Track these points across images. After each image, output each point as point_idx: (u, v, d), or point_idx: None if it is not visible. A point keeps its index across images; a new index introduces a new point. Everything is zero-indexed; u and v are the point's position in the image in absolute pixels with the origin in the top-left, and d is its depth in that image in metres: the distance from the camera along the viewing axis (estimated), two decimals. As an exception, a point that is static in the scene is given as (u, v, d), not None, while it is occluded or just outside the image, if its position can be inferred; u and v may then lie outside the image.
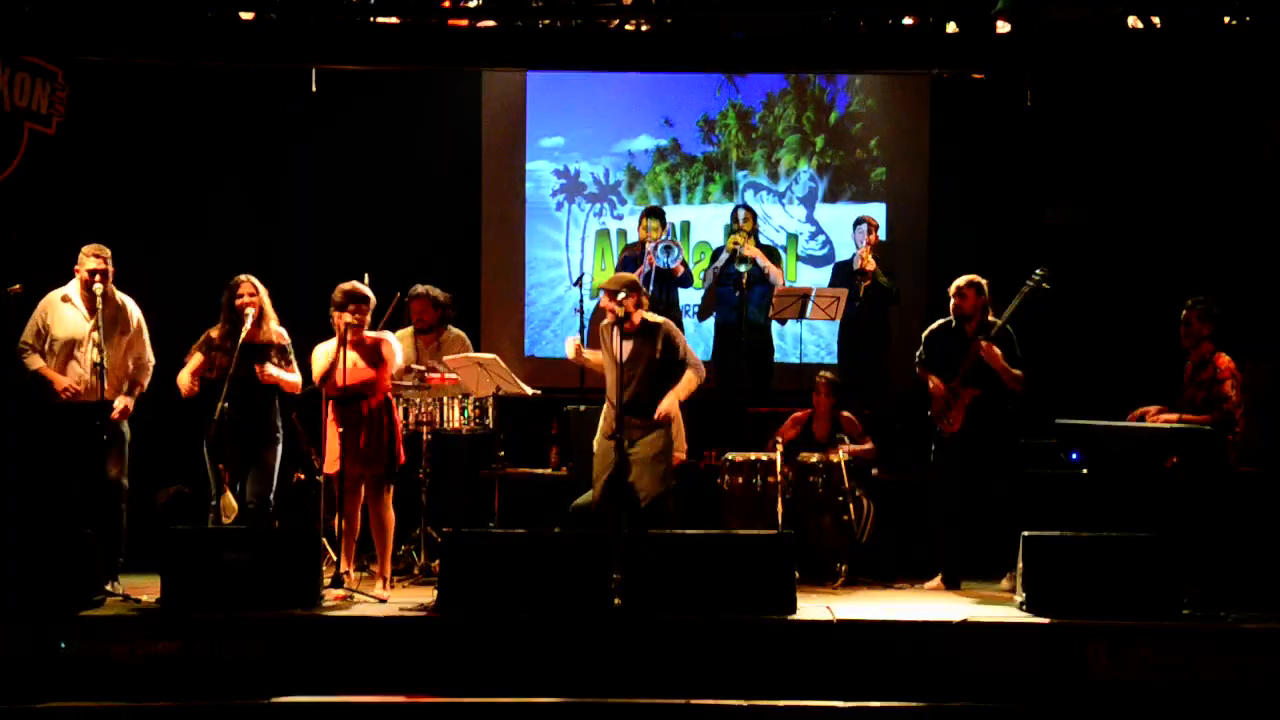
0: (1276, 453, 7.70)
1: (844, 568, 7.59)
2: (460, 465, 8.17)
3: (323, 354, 7.02)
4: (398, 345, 7.23)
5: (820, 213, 10.39)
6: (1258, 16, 7.41)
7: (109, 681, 6.07)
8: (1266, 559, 7.14)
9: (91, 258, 7.00)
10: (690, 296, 9.83)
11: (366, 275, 7.29)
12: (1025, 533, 6.58)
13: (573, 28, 7.59)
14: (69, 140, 8.39)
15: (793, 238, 10.40)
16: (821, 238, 10.38)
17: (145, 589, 6.78)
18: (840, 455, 7.77)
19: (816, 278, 10.06)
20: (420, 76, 9.65)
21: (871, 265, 9.17)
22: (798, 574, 6.71)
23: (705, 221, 10.37)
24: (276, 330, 7.19)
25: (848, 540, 7.66)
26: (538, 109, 10.43)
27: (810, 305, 8.87)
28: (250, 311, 7.04)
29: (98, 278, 6.97)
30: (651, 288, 8.94)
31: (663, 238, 9.29)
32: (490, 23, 7.65)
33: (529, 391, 7.83)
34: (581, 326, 9.01)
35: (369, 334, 7.11)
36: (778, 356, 9.54)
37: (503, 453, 8.22)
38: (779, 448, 7.75)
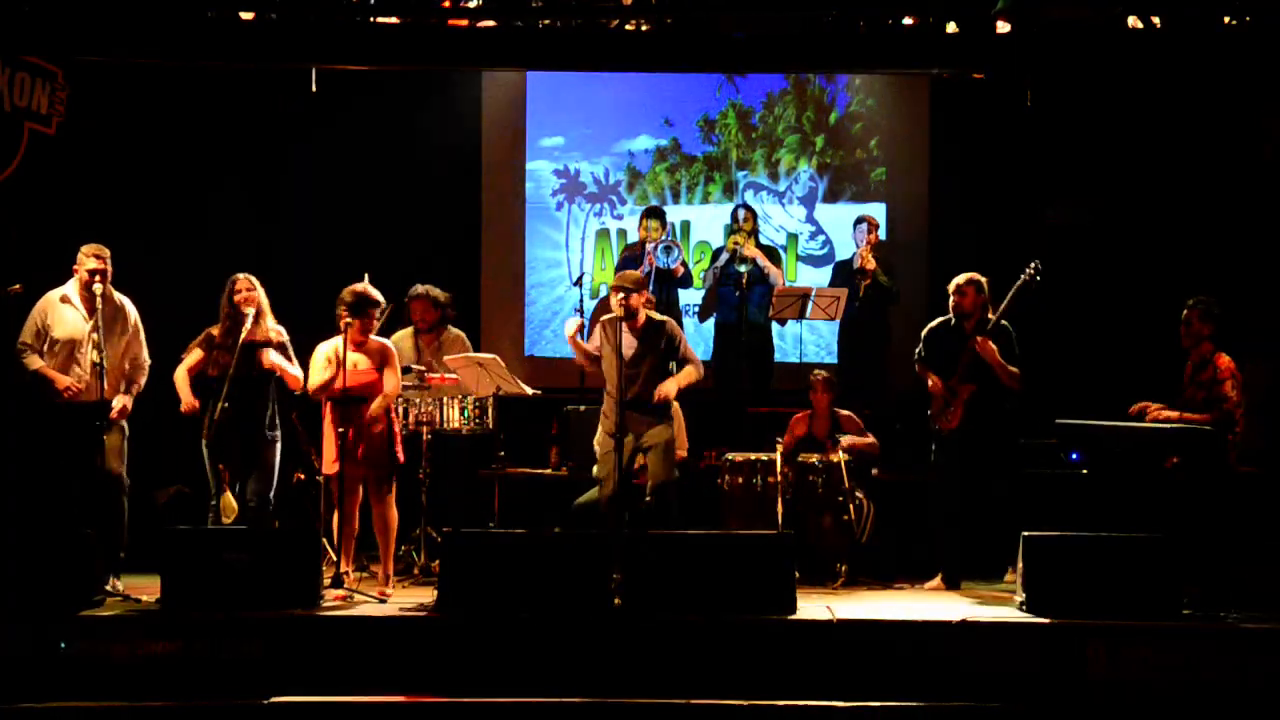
0: (1276, 453, 7.70)
1: (844, 568, 7.59)
2: (460, 465, 8.17)
3: (323, 355, 7.03)
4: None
5: (820, 213, 10.39)
6: (1258, 16, 7.41)
7: (109, 681, 6.07)
8: (1266, 559, 7.14)
9: (91, 258, 7.00)
10: (690, 297, 9.84)
11: (366, 275, 7.29)
12: (1025, 533, 6.58)
13: (573, 28, 7.59)
14: (69, 140, 8.39)
15: (793, 238, 10.40)
16: (821, 238, 10.38)
17: (145, 589, 6.78)
18: (840, 455, 7.77)
19: (816, 278, 10.06)
20: (420, 76, 9.65)
21: (871, 265, 9.17)
22: (798, 574, 6.71)
23: (705, 221, 10.37)
24: (275, 328, 7.20)
25: (848, 540, 7.66)
26: (538, 109, 10.43)
27: (810, 305, 8.87)
28: (250, 311, 7.05)
29: (97, 278, 6.97)
30: (651, 288, 8.94)
31: (663, 238, 9.29)
32: (490, 23, 7.65)
33: (529, 391, 7.83)
34: (581, 326, 9.01)
35: (375, 339, 7.12)
36: (778, 356, 9.54)
37: (503, 453, 8.22)
38: (779, 448, 7.75)
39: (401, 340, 8.03)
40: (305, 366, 7.16)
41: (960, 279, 7.50)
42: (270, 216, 9.77)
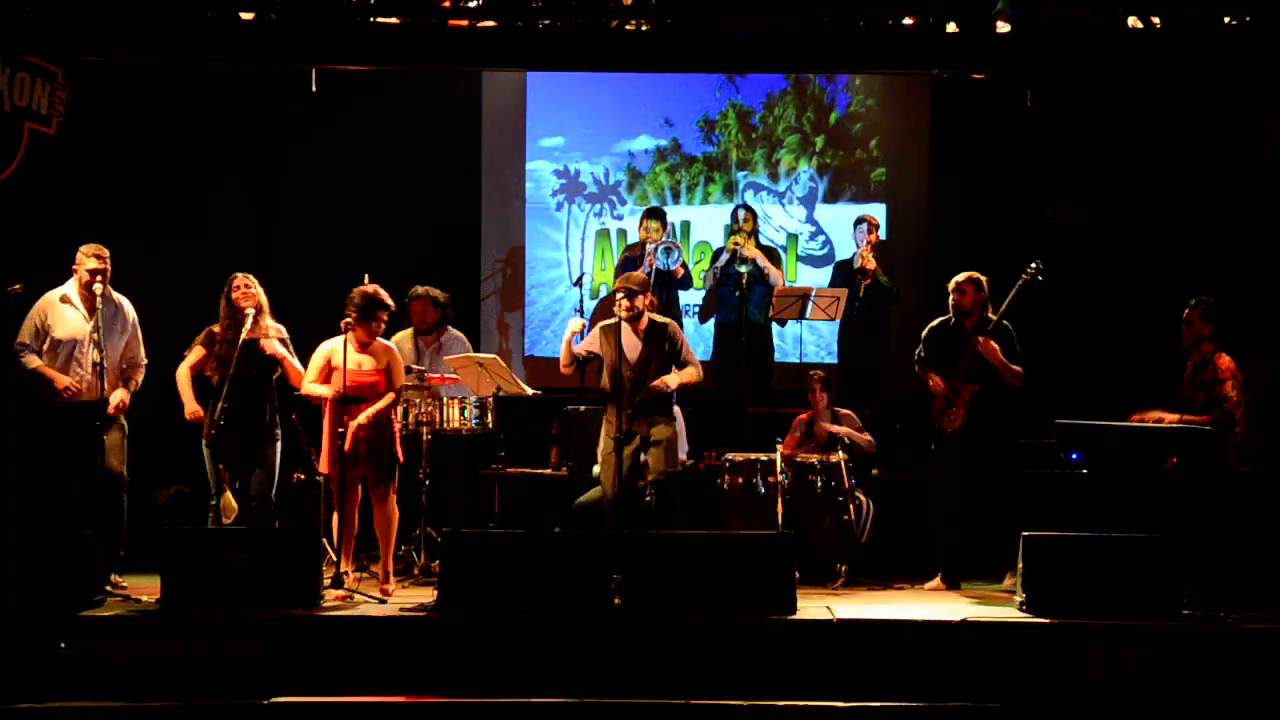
0: (1276, 453, 7.69)
1: (844, 568, 7.59)
2: (460, 465, 8.17)
3: (323, 355, 7.04)
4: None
5: (820, 213, 10.39)
6: (1258, 16, 7.40)
7: (109, 681, 6.07)
8: (1267, 559, 7.13)
9: (92, 258, 7.01)
10: (690, 297, 9.83)
11: (366, 276, 7.29)
12: (1025, 533, 6.58)
13: (573, 28, 7.59)
14: (69, 140, 8.39)
15: (793, 238, 10.40)
16: (821, 238, 10.38)
17: (145, 589, 6.78)
18: (840, 455, 7.77)
19: (816, 278, 10.06)
20: (420, 76, 9.65)
21: (872, 265, 9.17)
22: (798, 574, 6.71)
23: (705, 222, 10.37)
24: (275, 326, 7.21)
25: (848, 540, 7.66)
26: (538, 109, 10.43)
27: (810, 305, 8.87)
28: (249, 310, 7.06)
29: (98, 278, 6.98)
30: (652, 289, 8.93)
31: (663, 239, 9.29)
32: (490, 23, 7.65)
33: (529, 391, 7.84)
34: (582, 328, 9.01)
35: (381, 341, 7.13)
36: (778, 356, 9.54)
37: (503, 453, 8.22)
38: (780, 448, 7.75)
39: (401, 340, 8.04)
40: (306, 366, 7.15)
41: (960, 277, 7.51)
42: (270, 216, 9.77)
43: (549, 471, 8.69)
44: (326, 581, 6.73)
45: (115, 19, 7.45)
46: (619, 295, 7.38)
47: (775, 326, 9.45)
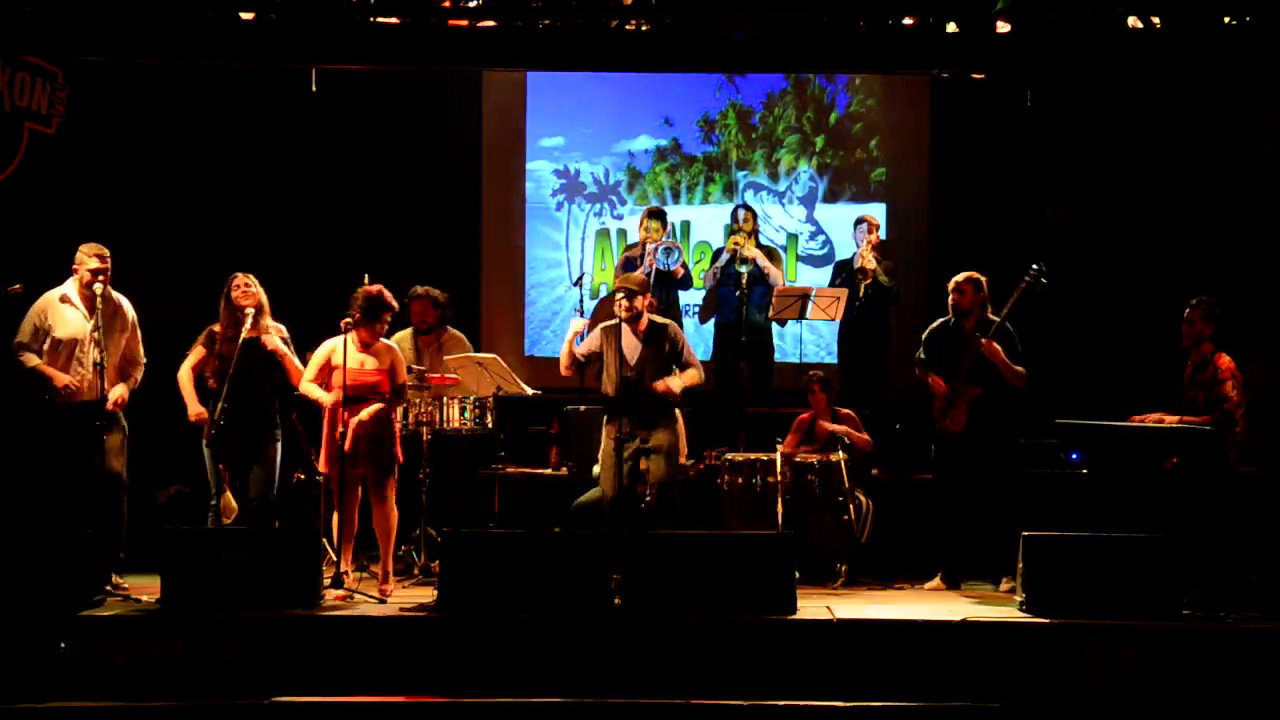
0: (1276, 453, 7.69)
1: (844, 568, 7.59)
2: (460, 465, 8.17)
3: (323, 354, 7.04)
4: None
5: (820, 213, 10.39)
6: (1258, 16, 7.40)
7: (109, 681, 6.07)
8: (1267, 559, 7.13)
9: (94, 258, 7.01)
10: (690, 297, 9.83)
11: (366, 276, 7.29)
12: (1025, 533, 6.58)
13: (573, 28, 7.59)
14: (69, 140, 8.39)
15: (793, 238, 10.40)
16: (821, 238, 10.38)
17: (145, 589, 6.78)
18: (840, 455, 7.77)
19: (816, 278, 10.06)
20: (420, 76, 9.64)
21: (872, 265, 9.17)
22: (798, 574, 6.71)
23: (705, 221, 10.37)
24: (276, 326, 7.21)
25: (848, 540, 7.66)
26: (538, 109, 10.43)
27: (810, 305, 8.87)
28: (249, 309, 7.06)
29: (100, 278, 6.98)
30: (651, 289, 8.93)
31: (663, 239, 9.29)
32: (490, 23, 7.64)
33: (529, 391, 7.84)
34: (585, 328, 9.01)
35: (384, 341, 7.13)
36: (778, 356, 9.54)
37: (503, 453, 8.22)
38: (780, 448, 7.75)
39: (401, 340, 8.03)
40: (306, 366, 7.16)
41: (959, 277, 7.52)
42: (270, 216, 9.76)
43: (549, 471, 8.69)
44: (326, 581, 6.74)
45: (115, 19, 7.44)
46: (618, 295, 7.39)
47: (775, 326, 9.44)
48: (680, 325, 8.37)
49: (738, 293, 8.99)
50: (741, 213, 9.39)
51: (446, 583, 6.49)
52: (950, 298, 7.52)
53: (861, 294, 9.16)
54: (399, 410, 7.36)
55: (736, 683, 6.07)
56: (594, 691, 6.04)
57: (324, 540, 7.12)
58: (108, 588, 6.75)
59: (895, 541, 7.98)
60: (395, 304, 7.13)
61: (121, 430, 7.13)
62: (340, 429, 6.89)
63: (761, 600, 6.40)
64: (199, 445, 7.12)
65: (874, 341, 9.28)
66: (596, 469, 7.72)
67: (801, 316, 8.93)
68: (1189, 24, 7.42)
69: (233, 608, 6.32)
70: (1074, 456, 7.76)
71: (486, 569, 6.44)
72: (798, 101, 10.39)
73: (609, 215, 10.43)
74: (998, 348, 7.29)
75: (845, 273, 9.35)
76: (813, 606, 6.63)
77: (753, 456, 7.81)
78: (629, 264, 9.26)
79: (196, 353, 7.17)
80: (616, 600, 6.45)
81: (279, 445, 7.25)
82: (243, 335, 7.02)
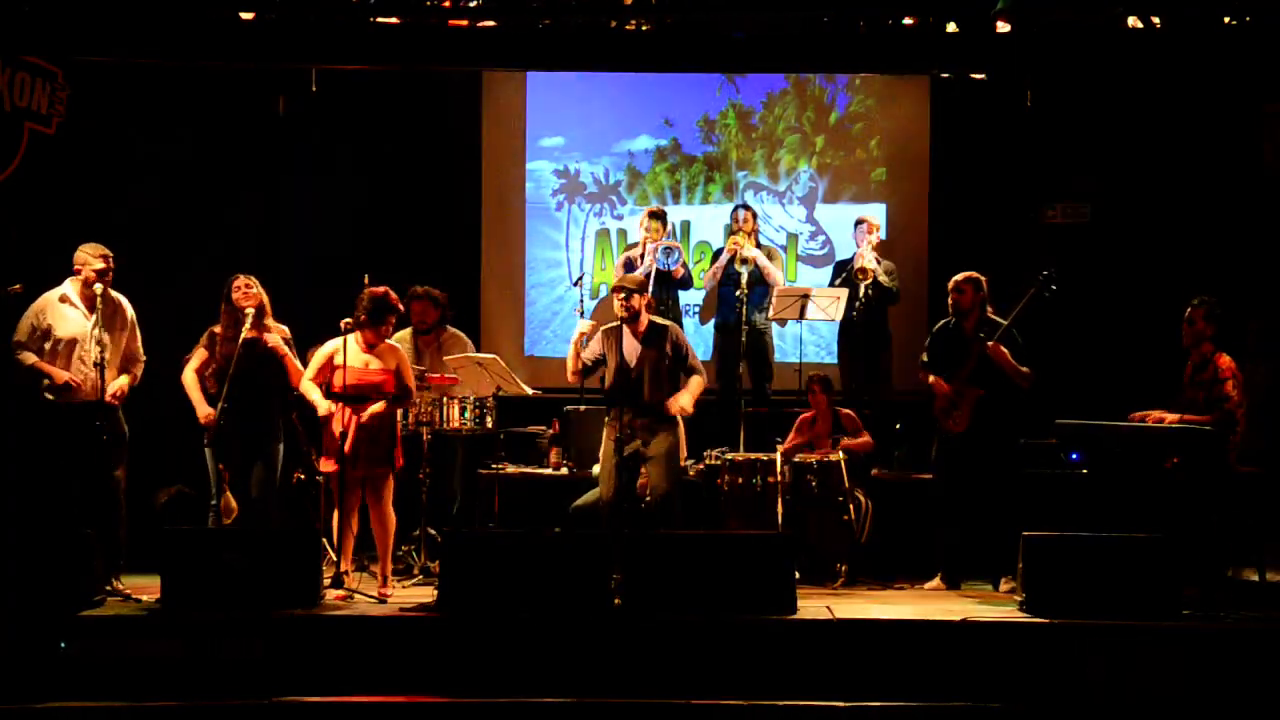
0: (1276, 453, 7.69)
1: (844, 568, 7.59)
2: (460, 465, 8.17)
3: (324, 354, 7.03)
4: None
5: (820, 213, 10.38)
6: (1258, 16, 7.40)
7: (109, 681, 6.07)
8: (1267, 559, 7.13)
9: (99, 259, 7.01)
10: (690, 297, 9.83)
11: (366, 276, 7.29)
12: (1025, 533, 6.58)
13: (573, 28, 7.59)
14: (69, 140, 8.39)
15: (793, 238, 10.39)
16: (821, 238, 10.38)
17: (145, 589, 6.79)
18: (839, 455, 7.77)
19: (816, 278, 10.06)
20: (420, 76, 9.65)
21: (872, 265, 9.17)
22: (798, 574, 6.72)
23: (705, 221, 10.36)
24: (278, 326, 7.22)
25: (848, 540, 7.66)
26: (538, 109, 10.42)
27: (810, 306, 8.86)
28: (250, 311, 7.06)
29: (103, 278, 6.98)
30: (652, 289, 8.93)
31: (663, 240, 9.28)
32: (490, 23, 7.65)
33: (529, 391, 7.84)
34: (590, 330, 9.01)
35: (388, 342, 7.13)
36: (778, 356, 9.54)
37: (503, 453, 8.21)
38: (780, 448, 7.75)
39: (401, 340, 8.02)
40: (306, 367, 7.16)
41: (959, 277, 7.53)
42: (270, 216, 9.76)
43: (549, 471, 8.68)
44: (326, 581, 6.74)
45: (115, 19, 7.45)
46: (616, 295, 7.38)
47: (775, 326, 9.45)
48: (680, 325, 8.37)
49: (738, 293, 8.98)
50: (741, 213, 9.38)
51: (446, 583, 6.49)
52: (950, 298, 7.52)
53: (861, 294, 9.16)
54: (399, 411, 7.35)
55: (736, 683, 6.07)
56: (594, 691, 6.04)
57: (324, 540, 7.12)
58: (107, 587, 6.75)
59: (895, 541, 7.97)
60: (401, 306, 7.14)
61: (122, 433, 7.12)
62: (342, 429, 6.89)
63: (761, 600, 6.40)
64: (199, 445, 7.12)
65: (874, 342, 9.27)
66: (596, 469, 7.71)
67: (801, 317, 8.92)
68: (1189, 24, 7.43)
69: (233, 608, 6.32)
70: (1074, 456, 7.76)
71: (486, 569, 6.44)
72: (798, 101, 10.39)
73: (609, 215, 10.43)
74: (1005, 351, 7.29)
75: (845, 273, 9.35)
76: (813, 606, 6.63)
77: (753, 456, 7.81)
78: (629, 264, 9.25)
79: (199, 355, 7.17)
80: (616, 600, 6.46)
81: (279, 445, 7.25)
82: (243, 335, 7.02)
